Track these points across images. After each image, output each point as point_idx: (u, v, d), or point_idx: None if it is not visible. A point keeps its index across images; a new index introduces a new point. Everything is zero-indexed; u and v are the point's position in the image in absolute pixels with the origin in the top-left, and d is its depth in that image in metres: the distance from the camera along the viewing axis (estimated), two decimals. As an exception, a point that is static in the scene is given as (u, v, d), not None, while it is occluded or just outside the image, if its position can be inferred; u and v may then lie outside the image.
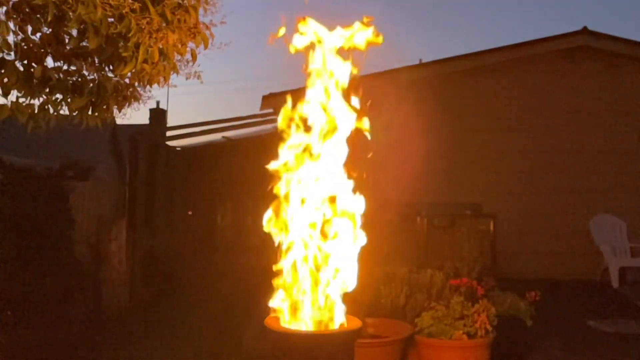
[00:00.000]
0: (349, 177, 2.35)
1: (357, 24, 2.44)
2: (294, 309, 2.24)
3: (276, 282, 2.31)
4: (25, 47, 3.00)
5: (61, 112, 3.26)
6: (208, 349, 4.83)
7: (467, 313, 3.96)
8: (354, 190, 2.34)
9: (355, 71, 2.41)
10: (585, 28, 8.90)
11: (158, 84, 3.30)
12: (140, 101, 3.58)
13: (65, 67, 3.22)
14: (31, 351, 4.20)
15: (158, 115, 10.54)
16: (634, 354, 4.88)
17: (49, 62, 3.17)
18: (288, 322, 2.26)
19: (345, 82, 2.41)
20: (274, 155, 2.40)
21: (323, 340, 2.14)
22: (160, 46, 2.80)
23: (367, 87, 2.44)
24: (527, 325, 4.47)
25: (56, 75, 3.14)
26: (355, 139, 2.37)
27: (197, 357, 4.64)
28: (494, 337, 3.96)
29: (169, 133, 9.42)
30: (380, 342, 3.90)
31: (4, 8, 2.78)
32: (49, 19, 2.74)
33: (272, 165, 2.38)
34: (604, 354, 4.86)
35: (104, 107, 3.35)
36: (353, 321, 2.26)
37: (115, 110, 3.51)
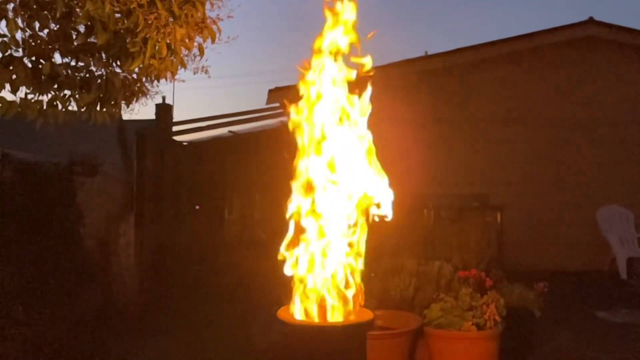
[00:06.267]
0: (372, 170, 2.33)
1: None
2: (306, 301, 2.24)
3: (288, 275, 2.30)
4: (33, 43, 3.00)
5: (69, 108, 3.27)
6: (217, 341, 4.86)
7: (476, 304, 3.97)
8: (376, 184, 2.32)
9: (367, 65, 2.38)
10: (591, 18, 8.86)
11: (165, 79, 3.31)
12: (148, 96, 3.59)
13: (73, 63, 3.23)
14: (42, 345, 4.23)
15: (164, 110, 10.55)
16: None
17: (57, 58, 3.17)
18: (299, 314, 2.26)
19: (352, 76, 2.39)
20: (288, 148, 2.37)
21: (335, 332, 2.14)
22: (168, 41, 2.80)
23: (373, 79, 2.42)
24: (536, 316, 4.48)
25: (64, 72, 3.15)
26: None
27: (206, 350, 4.67)
28: (502, 328, 3.97)
29: (175, 128, 9.42)
30: (390, 334, 3.91)
31: (12, 5, 2.79)
32: (57, 15, 2.75)
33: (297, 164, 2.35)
34: (613, 345, 4.86)
35: (112, 102, 3.36)
36: (365, 313, 2.26)
37: (123, 106, 3.53)
